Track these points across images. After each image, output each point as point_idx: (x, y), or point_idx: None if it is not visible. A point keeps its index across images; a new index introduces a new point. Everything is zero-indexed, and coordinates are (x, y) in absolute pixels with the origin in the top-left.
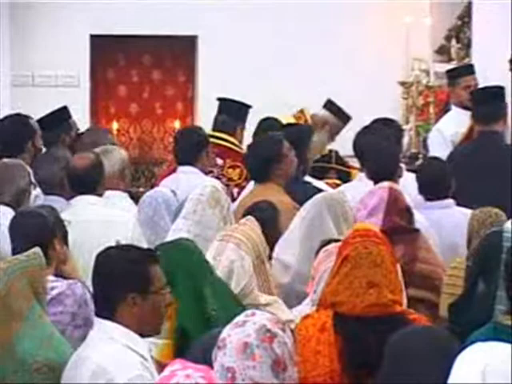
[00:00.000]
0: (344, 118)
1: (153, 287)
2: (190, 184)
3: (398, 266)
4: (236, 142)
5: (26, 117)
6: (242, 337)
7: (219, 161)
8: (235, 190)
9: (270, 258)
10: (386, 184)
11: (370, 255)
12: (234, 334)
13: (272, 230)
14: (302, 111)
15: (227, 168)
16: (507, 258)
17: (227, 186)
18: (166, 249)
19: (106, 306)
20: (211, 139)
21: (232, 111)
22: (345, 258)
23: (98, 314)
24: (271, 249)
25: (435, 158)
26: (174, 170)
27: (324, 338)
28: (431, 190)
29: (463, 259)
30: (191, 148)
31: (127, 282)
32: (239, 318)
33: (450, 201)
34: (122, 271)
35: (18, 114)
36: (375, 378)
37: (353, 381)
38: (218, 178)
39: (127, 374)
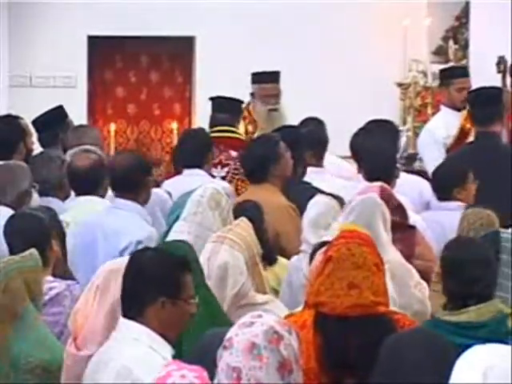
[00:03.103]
0: (264, 77)
1: (183, 294)
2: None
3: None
4: (241, 133)
5: (17, 117)
6: (250, 337)
7: (233, 153)
8: None
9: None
10: (376, 184)
11: (351, 257)
12: (241, 334)
13: (255, 230)
14: (247, 109)
15: None
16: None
17: None
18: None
19: (134, 306)
20: (219, 134)
21: (228, 108)
22: (328, 259)
23: (124, 315)
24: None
25: (449, 160)
26: (179, 172)
27: (303, 336)
28: (441, 191)
29: None
30: (199, 150)
31: (160, 285)
32: (246, 319)
33: (457, 203)
34: (156, 273)
35: (8, 115)
36: (356, 378)
37: (331, 380)
38: (235, 169)
39: (152, 376)
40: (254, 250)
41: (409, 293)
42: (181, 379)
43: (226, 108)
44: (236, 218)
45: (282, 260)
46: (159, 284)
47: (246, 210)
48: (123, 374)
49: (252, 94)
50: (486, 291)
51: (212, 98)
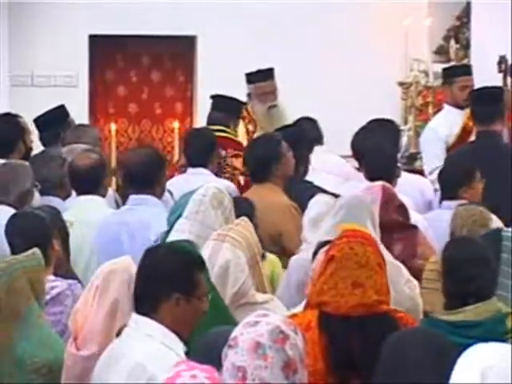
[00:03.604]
0: (259, 76)
1: (198, 292)
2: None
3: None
4: (233, 132)
5: (16, 116)
6: (255, 336)
7: (223, 152)
8: (241, 178)
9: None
10: (378, 183)
11: (355, 256)
12: (246, 333)
13: None
14: (246, 109)
15: (230, 157)
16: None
17: (233, 175)
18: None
19: (148, 303)
20: None
21: (226, 107)
22: (330, 259)
23: (137, 311)
24: None
25: (453, 159)
26: (184, 171)
27: (308, 337)
28: (447, 190)
29: None
30: (204, 149)
31: (174, 282)
32: (251, 318)
33: (461, 202)
34: (171, 270)
35: (7, 114)
36: (362, 378)
37: (337, 381)
38: (223, 168)
39: (167, 372)
40: (255, 249)
41: (399, 290)
42: (191, 379)
43: (222, 107)
44: None
45: (270, 256)
46: (174, 281)
47: (240, 208)
48: (137, 373)
49: (249, 95)
50: (484, 290)
51: (212, 96)
